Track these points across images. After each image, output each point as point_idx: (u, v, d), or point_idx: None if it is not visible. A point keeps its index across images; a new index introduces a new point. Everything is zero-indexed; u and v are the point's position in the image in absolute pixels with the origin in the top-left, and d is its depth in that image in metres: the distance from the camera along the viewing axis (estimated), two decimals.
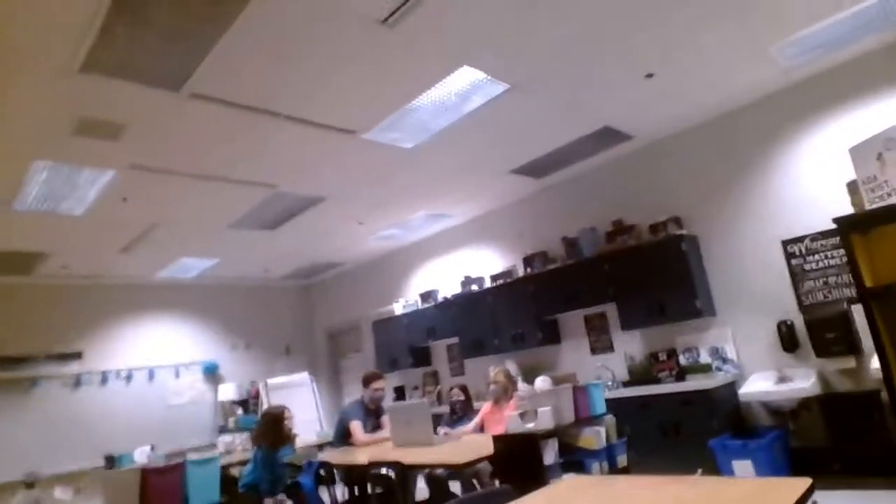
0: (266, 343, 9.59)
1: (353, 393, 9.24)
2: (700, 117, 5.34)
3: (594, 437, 3.12)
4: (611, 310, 6.00)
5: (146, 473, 2.91)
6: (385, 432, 4.70)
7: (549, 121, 4.97)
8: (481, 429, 4.45)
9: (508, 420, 4.20)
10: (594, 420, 3.20)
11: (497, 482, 3.03)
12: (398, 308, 8.14)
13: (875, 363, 4.23)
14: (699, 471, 1.91)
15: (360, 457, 3.82)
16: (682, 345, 5.50)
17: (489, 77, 4.08)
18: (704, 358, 5.34)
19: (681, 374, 5.34)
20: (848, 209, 2.89)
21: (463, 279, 7.38)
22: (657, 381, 5.45)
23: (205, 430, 8.44)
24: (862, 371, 4.45)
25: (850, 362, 4.45)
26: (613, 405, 5.29)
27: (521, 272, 6.77)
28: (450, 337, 7.47)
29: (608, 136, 5.48)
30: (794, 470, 4.46)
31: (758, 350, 5.04)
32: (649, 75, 4.42)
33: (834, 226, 4.08)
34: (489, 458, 3.08)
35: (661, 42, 3.97)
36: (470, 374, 7.42)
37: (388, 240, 7.99)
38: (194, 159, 4.68)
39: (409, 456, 3.38)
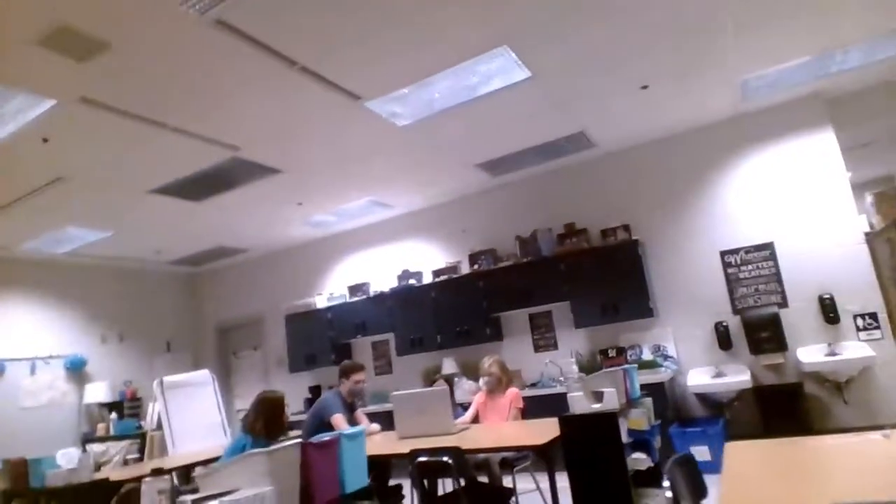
0: (144, 337, 8.31)
1: (244, 395, 8.40)
2: (658, 133, 5.85)
3: (643, 419, 3.20)
4: (558, 308, 6.25)
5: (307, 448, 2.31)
6: (364, 426, 4.35)
7: (539, 117, 5.08)
8: (475, 419, 4.33)
9: (507, 412, 4.20)
10: (635, 402, 3.29)
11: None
12: (320, 301, 7.60)
13: (801, 356, 4.97)
14: (887, 431, 2.08)
15: (397, 446, 3.48)
16: (626, 342, 5.93)
17: (519, 61, 4.05)
18: (647, 355, 5.80)
19: None
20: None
21: (401, 273, 7.14)
22: None
23: (66, 437, 7.02)
24: (788, 366, 5.19)
25: (778, 358, 5.15)
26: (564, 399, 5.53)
27: (466, 268, 6.76)
28: (383, 332, 7.16)
29: (577, 142, 5.76)
30: None
31: (696, 348, 5.62)
32: (644, 87, 4.75)
33: (764, 240, 4.81)
34: (555, 441, 3.01)
35: (659, 58, 4.28)
36: (399, 373, 7.18)
37: (317, 226, 7.45)
38: (163, 102, 3.94)
39: (470, 442, 3.16)
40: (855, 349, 4.87)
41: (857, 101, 5.33)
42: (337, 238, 7.87)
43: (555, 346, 6.31)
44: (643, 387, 5.19)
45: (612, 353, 5.85)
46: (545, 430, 3.26)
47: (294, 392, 7.06)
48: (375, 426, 4.45)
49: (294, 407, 6.83)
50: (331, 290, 7.69)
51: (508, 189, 6.74)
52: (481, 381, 4.46)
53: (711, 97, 5.12)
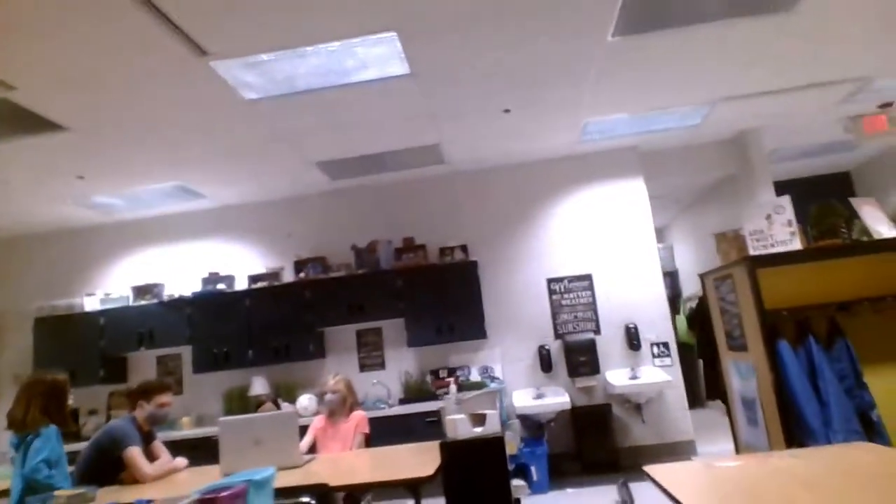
0: None
1: None
2: (503, 160, 6.00)
3: (513, 442, 3.06)
4: (389, 325, 5.93)
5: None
6: (164, 462, 3.43)
7: (402, 120, 4.78)
8: (312, 448, 3.71)
9: (351, 439, 3.71)
10: (505, 426, 3.13)
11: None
12: (90, 303, 6.07)
13: (610, 379, 5.43)
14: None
15: None
16: (456, 363, 5.86)
17: (404, 54, 3.73)
18: (474, 376, 5.79)
19: (460, 390, 5.64)
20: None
21: (207, 276, 6.08)
22: (435, 397, 5.60)
23: None
24: (598, 388, 5.63)
25: (592, 381, 5.57)
26: (396, 421, 5.25)
27: (290, 276, 6.04)
28: (176, 345, 5.96)
29: (429, 155, 5.59)
30: (552, 472, 5.17)
31: (520, 370, 5.79)
32: (507, 110, 4.81)
33: (585, 272, 5.27)
34: (437, 471, 2.63)
35: (529, 85, 4.38)
36: (193, 394, 6.04)
37: (96, 210, 5.95)
38: None
39: (332, 477, 2.57)
40: (652, 373, 5.51)
41: (662, 157, 6.17)
42: (122, 227, 6.41)
43: (382, 366, 5.95)
44: None
45: (442, 374, 5.72)
46: (417, 458, 2.88)
47: None
48: (181, 461, 3.54)
49: None
50: (107, 291, 6.19)
51: (345, 195, 6.26)
52: (322, 401, 3.88)
53: (557, 133, 5.42)
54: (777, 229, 3.16)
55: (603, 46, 3.87)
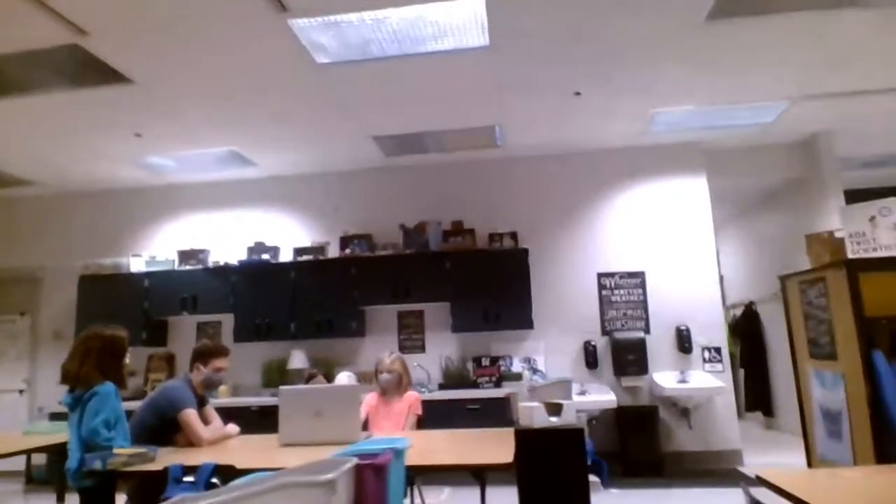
0: None
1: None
2: (562, 148, 5.81)
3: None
4: (432, 309, 5.82)
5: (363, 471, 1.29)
6: (218, 427, 3.36)
7: (466, 97, 4.64)
8: (364, 426, 3.62)
9: (404, 419, 3.60)
10: None
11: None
12: (136, 264, 6.06)
13: (658, 380, 5.25)
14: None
15: (277, 456, 2.60)
16: (498, 352, 5.72)
17: (486, 23, 3.57)
18: (516, 367, 5.66)
19: (499, 381, 5.52)
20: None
21: (253, 245, 6.03)
22: (475, 385, 5.49)
23: None
24: (644, 389, 5.46)
25: (639, 381, 5.40)
26: (436, 407, 5.14)
27: (335, 251, 5.96)
28: (219, 312, 5.93)
29: (485, 136, 5.44)
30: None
31: (564, 364, 5.64)
32: (578, 93, 4.64)
33: (637, 269, 5.10)
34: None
35: (600, 65, 4.19)
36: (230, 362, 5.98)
37: (148, 170, 5.93)
38: None
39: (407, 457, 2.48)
40: (702, 378, 5.31)
41: (726, 156, 5.93)
42: (172, 190, 6.39)
43: (422, 349, 5.85)
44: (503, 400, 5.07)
45: (485, 363, 5.59)
46: (485, 444, 2.76)
47: None
48: (233, 428, 3.47)
49: None
50: (153, 253, 6.18)
51: (395, 173, 6.15)
52: (377, 379, 3.78)
53: (623, 121, 5.22)
54: (881, 232, 2.96)
55: (694, 28, 3.67)
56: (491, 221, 5.87)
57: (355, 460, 1.58)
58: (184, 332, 6.18)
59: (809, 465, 3.39)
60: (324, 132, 5.24)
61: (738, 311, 7.64)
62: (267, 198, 6.29)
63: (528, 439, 2.58)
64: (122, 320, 5.84)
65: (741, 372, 7.37)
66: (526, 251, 5.62)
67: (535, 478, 2.54)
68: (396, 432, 3.54)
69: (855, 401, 2.91)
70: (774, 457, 5.65)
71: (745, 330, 7.41)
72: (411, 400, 3.72)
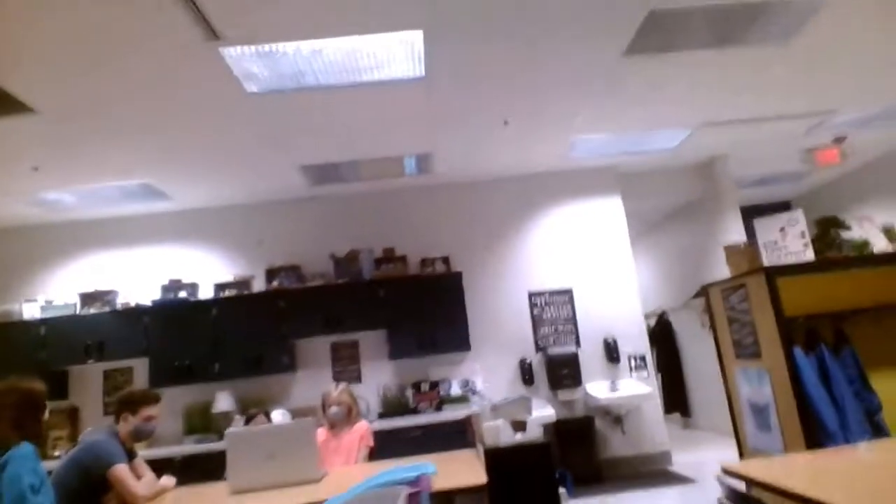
0: None
1: None
2: (490, 173, 5.98)
3: None
4: (366, 337, 5.71)
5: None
6: (150, 480, 3.06)
7: (397, 127, 4.66)
8: None
9: (356, 452, 3.48)
10: None
11: None
12: (30, 309, 5.43)
13: (591, 391, 5.47)
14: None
15: None
16: (435, 376, 5.70)
17: (423, 55, 3.64)
18: (455, 389, 5.66)
19: (440, 405, 5.48)
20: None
21: (167, 283, 5.62)
22: (415, 411, 5.41)
23: None
24: (579, 401, 5.65)
25: (575, 394, 5.59)
26: (378, 437, 5.03)
27: (261, 285, 5.70)
28: (131, 357, 5.44)
29: (418, 163, 5.48)
30: None
31: (501, 383, 5.72)
32: (506, 122, 4.82)
33: (565, 286, 5.34)
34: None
35: (527, 97, 4.40)
36: None
37: (43, 206, 5.36)
38: None
39: (310, 494, 2.34)
40: (631, 386, 5.60)
41: (637, 178, 6.39)
42: (71, 227, 5.82)
43: (358, 380, 5.69)
44: (453, 423, 5.07)
45: (424, 388, 5.54)
46: (452, 466, 2.72)
47: None
48: (169, 480, 3.17)
49: None
50: (49, 297, 5.57)
51: (324, 202, 6.02)
52: (325, 414, 3.63)
53: (546, 148, 5.47)
54: (791, 241, 3.31)
55: (614, 62, 3.96)
56: (422, 247, 5.90)
57: (407, 489, 1.52)
58: (88, 382, 5.59)
59: (741, 456, 3.66)
60: (246, 163, 5.03)
61: (652, 321, 8.16)
62: (182, 232, 5.91)
63: (498, 457, 2.60)
64: (14, 373, 5.25)
65: (658, 377, 7.84)
66: (459, 274, 5.69)
67: (507, 494, 2.55)
68: (349, 467, 3.40)
69: (781, 393, 3.20)
70: (698, 454, 6.04)
71: (660, 337, 7.93)
72: (362, 431, 3.61)
